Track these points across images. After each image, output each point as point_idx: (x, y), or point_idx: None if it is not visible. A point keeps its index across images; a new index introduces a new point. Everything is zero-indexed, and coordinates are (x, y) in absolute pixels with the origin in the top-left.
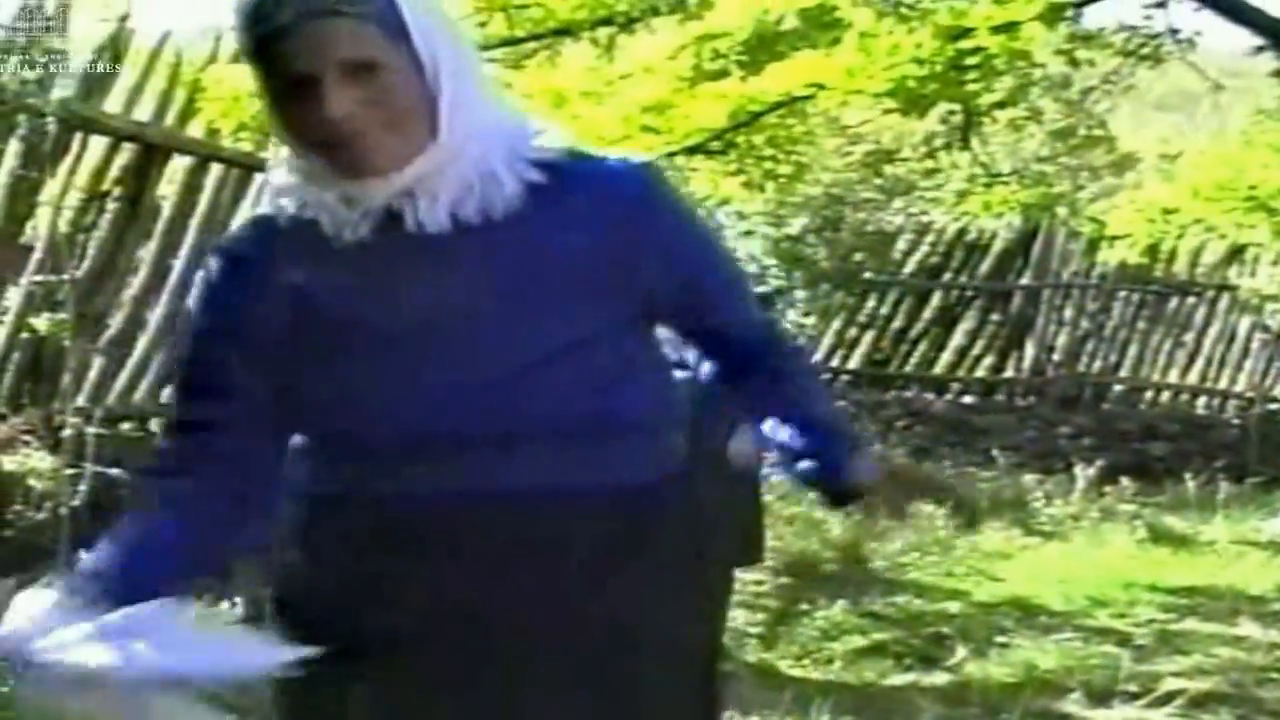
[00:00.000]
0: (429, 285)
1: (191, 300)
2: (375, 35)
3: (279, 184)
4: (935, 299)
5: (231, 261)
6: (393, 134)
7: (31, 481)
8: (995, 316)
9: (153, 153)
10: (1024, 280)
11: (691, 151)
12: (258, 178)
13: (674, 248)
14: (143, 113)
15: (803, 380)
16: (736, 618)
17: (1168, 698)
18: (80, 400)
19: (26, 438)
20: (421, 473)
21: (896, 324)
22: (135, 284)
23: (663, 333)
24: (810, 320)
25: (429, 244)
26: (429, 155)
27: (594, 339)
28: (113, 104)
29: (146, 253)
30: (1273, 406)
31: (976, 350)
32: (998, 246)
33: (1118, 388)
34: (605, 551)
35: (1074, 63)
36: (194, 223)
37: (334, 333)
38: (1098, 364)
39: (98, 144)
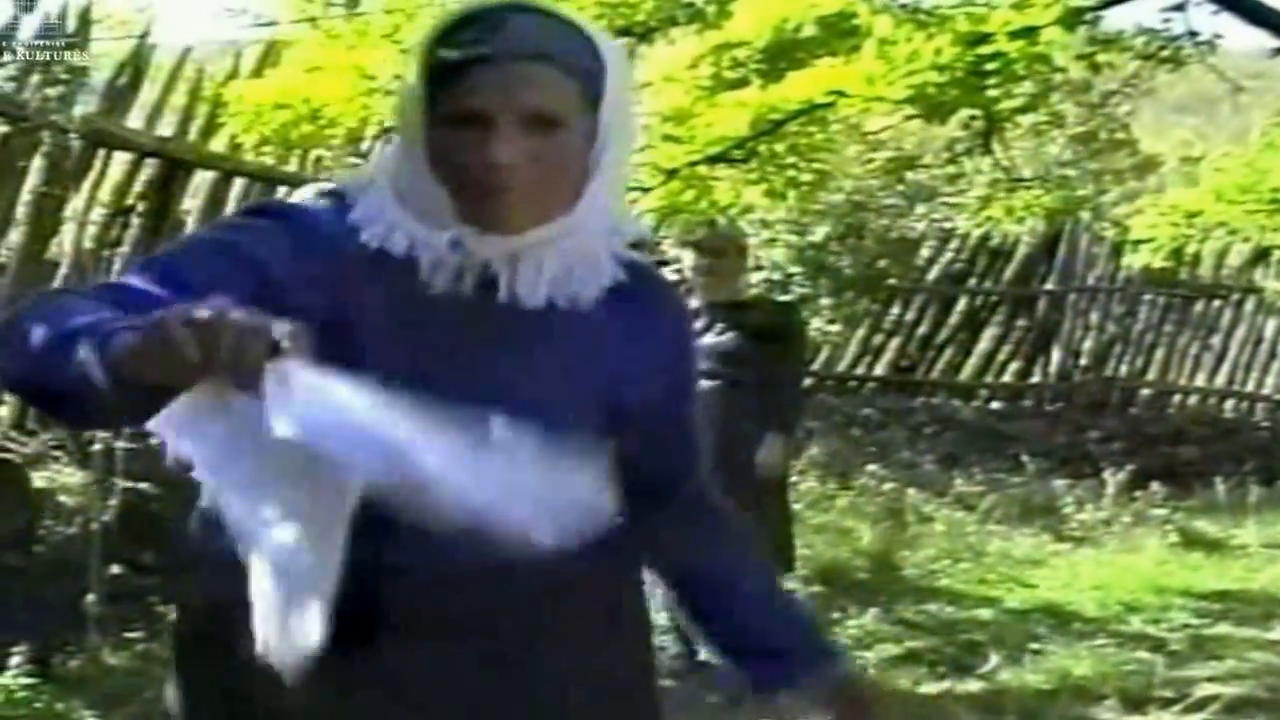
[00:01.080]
0: (502, 360)
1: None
2: (571, 93)
3: (376, 208)
4: (960, 305)
5: (303, 217)
6: (540, 196)
7: (62, 497)
8: (1021, 322)
9: (176, 168)
10: (1049, 285)
11: (713, 160)
12: (281, 191)
13: (676, 372)
14: (165, 128)
15: (743, 561)
16: None
17: (1202, 703)
18: None
19: (56, 454)
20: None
21: (922, 330)
22: None
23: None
24: (835, 327)
25: (516, 317)
26: (553, 226)
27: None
28: (135, 120)
29: None
30: None
31: (1003, 356)
32: (1022, 251)
33: (1145, 392)
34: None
35: (1095, 67)
36: None
37: (387, 373)
38: (1124, 368)
39: (121, 160)
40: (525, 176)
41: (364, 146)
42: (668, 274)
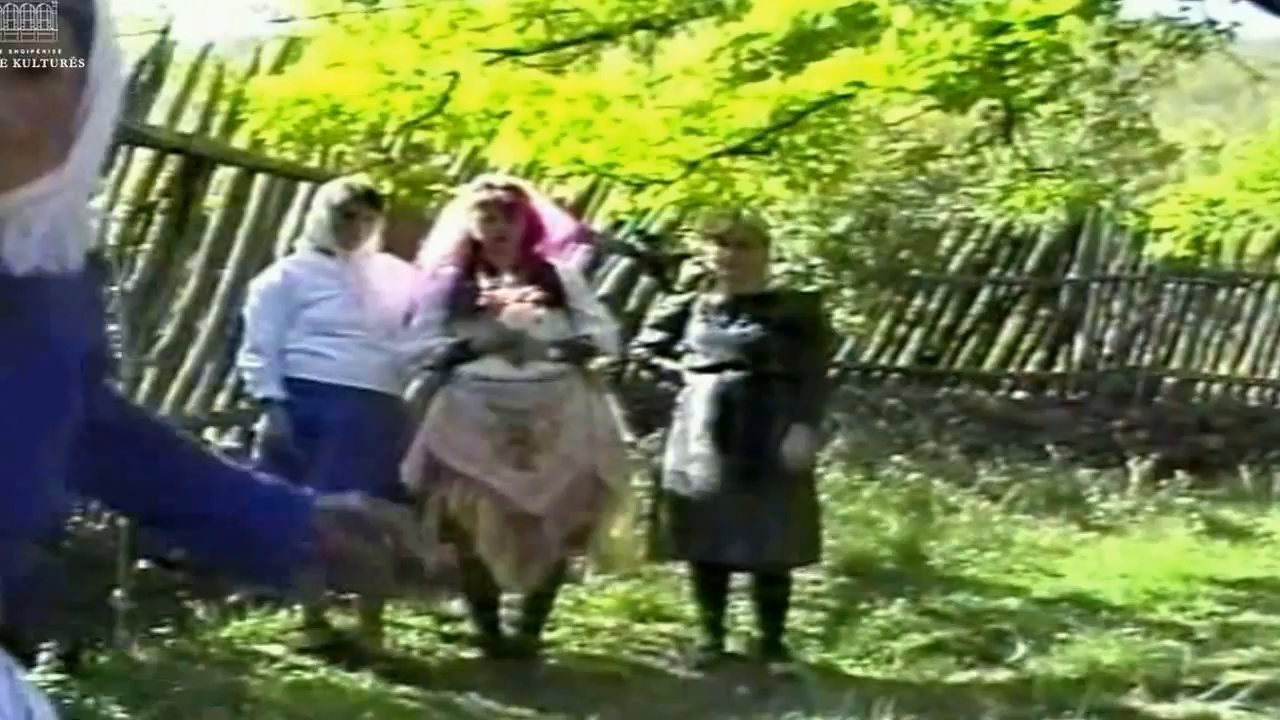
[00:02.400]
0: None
1: None
2: (63, 38)
3: None
4: (983, 295)
5: None
6: (29, 152)
7: None
8: (1044, 312)
9: (198, 164)
10: (1071, 275)
11: (734, 153)
12: (303, 187)
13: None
14: (187, 125)
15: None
16: (796, 618)
17: (1230, 691)
18: None
19: None
20: None
21: (945, 321)
22: (185, 295)
23: None
24: (858, 319)
25: (4, 287)
26: (42, 183)
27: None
28: (157, 116)
29: (195, 264)
30: None
31: (1026, 346)
32: (1044, 241)
33: (1169, 381)
34: None
35: (1114, 56)
36: (241, 233)
37: None
38: (1148, 357)
39: (143, 157)
40: (14, 131)
41: (385, 142)
42: (691, 267)
